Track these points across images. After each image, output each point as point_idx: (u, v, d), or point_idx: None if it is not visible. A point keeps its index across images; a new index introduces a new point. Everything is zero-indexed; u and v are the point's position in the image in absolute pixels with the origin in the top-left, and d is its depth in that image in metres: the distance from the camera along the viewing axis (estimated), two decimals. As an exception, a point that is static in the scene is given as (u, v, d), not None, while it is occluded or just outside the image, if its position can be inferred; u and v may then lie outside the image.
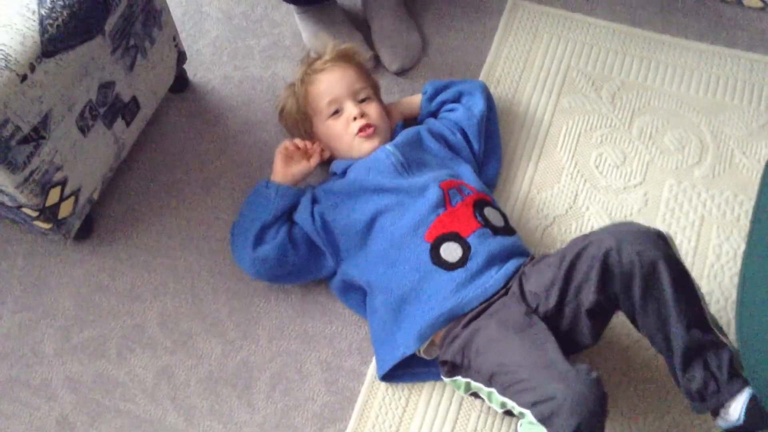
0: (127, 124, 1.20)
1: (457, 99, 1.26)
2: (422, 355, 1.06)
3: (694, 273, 1.18)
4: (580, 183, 1.27)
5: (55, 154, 1.05)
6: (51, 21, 0.97)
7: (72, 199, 1.13)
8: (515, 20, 1.44)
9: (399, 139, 1.17)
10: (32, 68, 0.95)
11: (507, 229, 1.09)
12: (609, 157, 1.30)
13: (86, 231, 1.22)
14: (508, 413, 0.94)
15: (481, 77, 1.37)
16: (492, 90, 1.31)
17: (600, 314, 0.97)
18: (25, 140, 0.99)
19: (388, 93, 1.35)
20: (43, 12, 0.97)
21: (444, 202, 1.07)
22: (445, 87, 1.26)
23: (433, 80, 1.28)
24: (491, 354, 0.94)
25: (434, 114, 1.27)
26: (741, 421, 0.89)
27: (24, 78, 0.95)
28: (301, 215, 1.13)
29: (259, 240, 1.12)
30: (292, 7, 1.42)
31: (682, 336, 0.90)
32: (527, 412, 0.87)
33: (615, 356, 1.12)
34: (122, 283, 1.19)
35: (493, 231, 1.06)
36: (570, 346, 0.97)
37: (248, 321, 1.16)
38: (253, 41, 1.43)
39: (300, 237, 1.13)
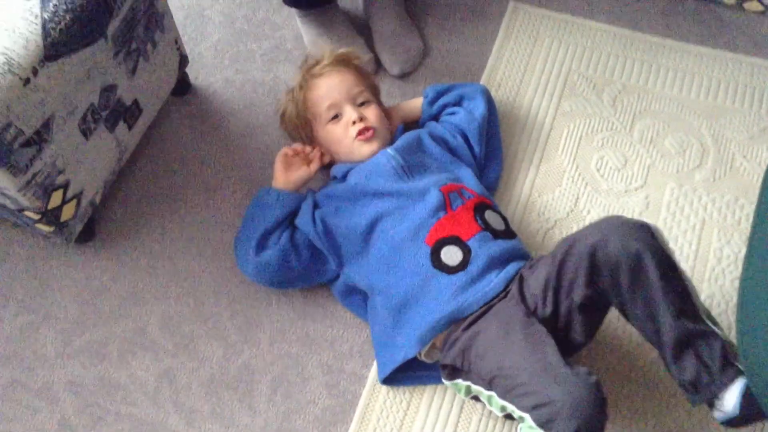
0: (129, 127, 1.20)
1: (458, 102, 1.26)
2: (423, 358, 1.06)
3: (695, 276, 1.19)
4: (581, 186, 1.27)
5: (57, 157, 1.05)
6: (54, 25, 0.97)
7: (74, 202, 1.13)
8: (516, 24, 1.45)
9: (399, 142, 1.17)
10: (35, 72, 0.96)
11: (508, 233, 1.09)
12: (610, 161, 1.30)
13: (88, 234, 1.22)
14: (509, 417, 0.94)
15: (482, 81, 1.38)
16: (493, 93, 1.31)
17: (592, 310, 0.96)
18: (28, 143, 0.99)
19: (390, 96, 1.36)
20: (45, 16, 0.97)
21: (444, 205, 1.08)
22: (447, 90, 1.27)
23: (434, 84, 1.29)
24: (491, 358, 0.95)
25: (435, 117, 1.27)
26: (737, 412, 0.88)
27: (27, 82, 0.95)
28: (303, 220, 1.14)
29: (261, 246, 1.13)
30: (293, 11, 1.43)
31: (671, 326, 0.89)
32: (527, 416, 0.87)
33: (616, 359, 1.12)
34: (124, 286, 1.20)
35: (494, 234, 1.06)
36: (567, 346, 0.98)
37: (250, 324, 1.16)
38: (254, 44, 1.43)
39: (302, 242, 1.13)
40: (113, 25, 1.06)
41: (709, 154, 1.31)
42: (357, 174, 1.15)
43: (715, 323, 0.92)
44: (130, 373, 1.13)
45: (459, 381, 1.01)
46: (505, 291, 1.02)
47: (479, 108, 1.23)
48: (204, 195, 1.27)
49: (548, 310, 0.97)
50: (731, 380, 0.89)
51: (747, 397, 0.87)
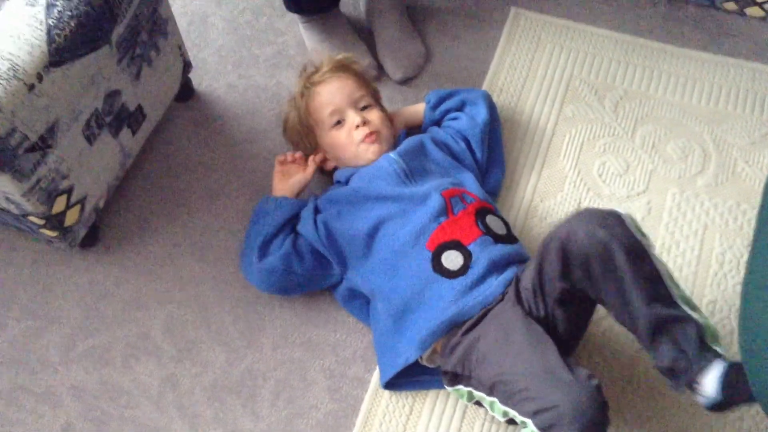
0: (133, 132, 1.21)
1: (460, 108, 1.26)
2: (425, 363, 1.07)
3: (697, 281, 1.19)
4: (583, 191, 1.27)
5: (61, 162, 1.06)
6: (58, 31, 0.98)
7: (78, 207, 1.13)
8: (518, 30, 1.45)
9: (402, 147, 1.18)
10: (40, 78, 0.96)
11: (509, 237, 1.09)
12: (612, 166, 1.30)
13: (92, 239, 1.22)
14: (511, 422, 0.94)
15: (484, 86, 1.38)
16: (495, 99, 1.32)
17: (571, 304, 0.96)
18: (32, 149, 1.00)
19: (392, 102, 1.36)
20: (50, 22, 0.98)
21: (446, 210, 1.08)
22: (449, 96, 1.27)
23: (437, 89, 1.29)
24: (491, 364, 0.95)
25: (437, 123, 1.27)
26: (720, 396, 0.87)
27: (31, 87, 0.95)
28: (305, 226, 1.14)
29: (263, 252, 1.13)
30: (296, 17, 1.43)
31: (644, 313, 0.89)
32: (529, 422, 0.87)
33: (619, 364, 1.12)
34: (127, 291, 1.20)
35: (495, 239, 1.06)
36: (563, 344, 0.97)
37: (253, 329, 1.16)
38: (257, 50, 1.44)
39: (305, 247, 1.14)
40: (117, 32, 1.07)
41: (710, 159, 1.31)
42: (359, 178, 1.15)
43: (694, 308, 0.91)
44: (133, 378, 1.13)
45: (461, 387, 1.01)
46: (503, 294, 1.02)
47: (481, 113, 1.24)
48: (207, 200, 1.28)
49: (541, 309, 0.97)
50: (708, 364, 0.87)
51: (728, 380, 0.86)
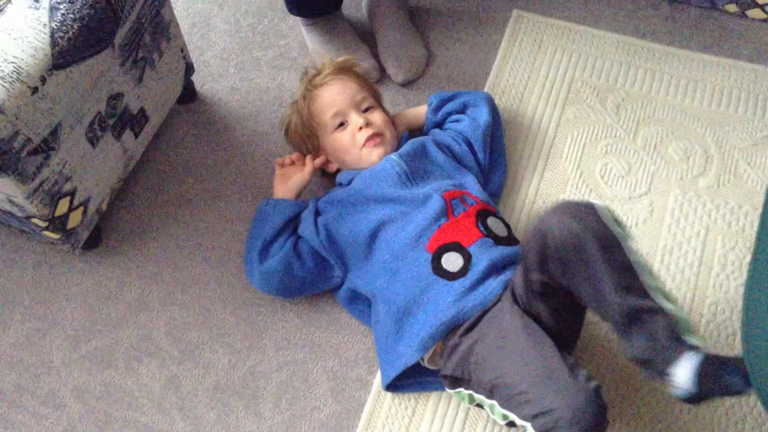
0: (136, 135, 1.21)
1: (462, 110, 1.26)
2: (426, 364, 1.07)
3: (699, 283, 1.19)
4: (585, 193, 1.28)
5: (64, 164, 1.06)
6: (62, 34, 0.98)
7: (81, 209, 1.13)
8: (519, 32, 1.45)
9: (404, 149, 1.18)
10: (43, 80, 0.96)
11: (510, 239, 1.09)
12: (614, 168, 1.30)
13: (94, 241, 1.23)
14: (512, 424, 0.94)
15: (486, 88, 1.38)
16: (497, 101, 1.32)
17: (554, 296, 0.95)
18: (35, 151, 1.00)
19: (394, 104, 1.36)
20: (54, 25, 0.98)
21: (446, 212, 1.08)
22: (451, 98, 1.27)
23: (439, 91, 1.29)
24: (490, 367, 0.95)
25: (440, 125, 1.27)
26: (696, 388, 0.86)
27: (35, 90, 0.96)
28: (305, 228, 1.14)
29: (263, 255, 1.14)
30: (298, 19, 1.44)
31: (616, 303, 0.88)
32: (528, 425, 0.87)
33: (621, 365, 1.12)
34: (130, 293, 1.20)
35: (496, 241, 1.06)
36: (559, 341, 0.96)
37: (255, 331, 1.17)
38: (259, 53, 1.44)
39: (306, 250, 1.14)
40: (120, 34, 1.07)
41: (712, 161, 1.31)
42: (360, 179, 1.16)
43: (670, 299, 0.90)
44: (136, 380, 1.13)
45: (461, 390, 1.01)
46: (502, 295, 1.02)
47: (483, 115, 1.24)
48: (209, 202, 1.28)
49: (530, 305, 0.97)
50: (679, 355, 0.86)
51: (704, 372, 0.85)
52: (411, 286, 1.05)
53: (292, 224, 1.17)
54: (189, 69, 1.31)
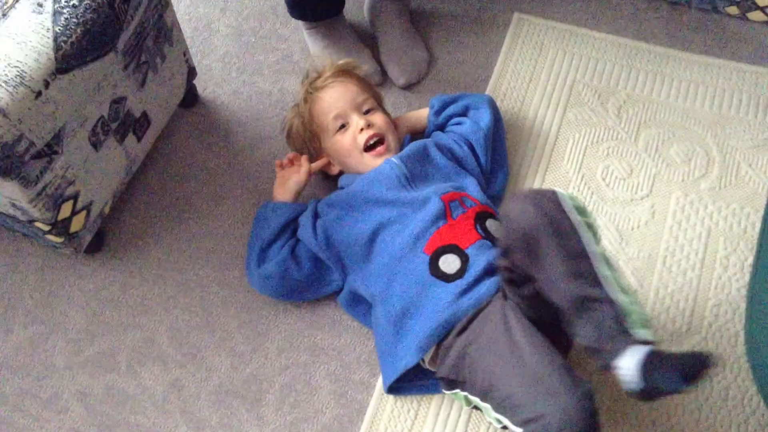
0: (138, 139, 1.21)
1: (464, 113, 1.27)
2: (428, 366, 1.07)
3: (701, 285, 1.19)
4: (587, 195, 1.28)
5: (67, 169, 1.06)
6: (65, 38, 0.98)
7: (84, 213, 1.14)
8: (521, 35, 1.46)
9: (405, 151, 1.18)
10: (46, 85, 0.97)
11: None
12: (616, 170, 1.30)
13: (97, 245, 1.23)
14: (507, 428, 0.94)
15: (488, 91, 1.38)
16: (498, 103, 1.32)
17: (523, 285, 0.94)
18: (39, 155, 1.00)
19: (396, 107, 1.37)
20: (57, 29, 0.98)
21: (444, 214, 1.08)
22: (452, 101, 1.27)
23: (440, 94, 1.29)
24: (482, 370, 0.95)
25: (441, 127, 1.27)
26: (643, 383, 0.83)
27: (38, 94, 0.96)
28: (304, 232, 1.15)
29: (261, 259, 1.15)
30: (300, 23, 1.44)
31: (565, 289, 0.87)
32: (519, 431, 0.87)
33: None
34: (132, 296, 1.20)
35: (494, 243, 1.06)
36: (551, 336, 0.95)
37: (258, 334, 1.17)
38: (261, 56, 1.45)
39: (303, 253, 1.15)
40: (123, 38, 1.08)
41: (714, 163, 1.31)
42: (360, 181, 1.16)
43: (626, 291, 0.88)
44: (138, 383, 1.13)
45: (458, 391, 1.01)
46: (496, 294, 1.02)
47: (485, 118, 1.24)
48: (212, 205, 1.28)
49: (511, 297, 0.96)
50: (623, 348, 0.84)
51: (649, 367, 0.82)
52: (409, 288, 1.05)
53: (290, 227, 1.17)
54: (191, 73, 1.31)
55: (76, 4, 1.00)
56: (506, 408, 0.90)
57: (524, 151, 1.32)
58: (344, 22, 1.43)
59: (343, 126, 1.20)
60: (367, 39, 1.44)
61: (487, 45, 1.45)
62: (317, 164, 1.24)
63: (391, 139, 1.19)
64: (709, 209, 1.26)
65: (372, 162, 1.17)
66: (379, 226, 1.10)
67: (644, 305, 1.17)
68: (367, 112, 1.21)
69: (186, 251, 1.24)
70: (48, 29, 0.98)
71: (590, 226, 0.90)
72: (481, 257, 1.04)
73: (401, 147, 1.22)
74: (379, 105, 1.25)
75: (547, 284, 0.89)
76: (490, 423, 0.98)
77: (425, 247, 1.06)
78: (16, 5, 1.00)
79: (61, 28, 0.99)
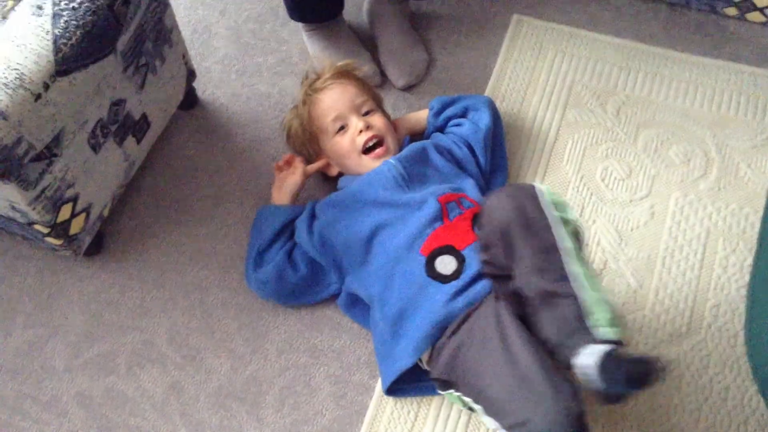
0: (138, 141, 1.21)
1: (463, 114, 1.27)
2: (426, 367, 1.07)
3: (701, 285, 1.19)
4: (586, 196, 1.28)
5: (66, 171, 1.06)
6: (64, 41, 0.99)
7: (83, 215, 1.14)
8: (520, 36, 1.46)
9: (403, 153, 1.18)
10: (46, 87, 0.97)
11: None
12: (615, 171, 1.30)
13: (96, 247, 1.23)
14: None
15: (487, 92, 1.39)
16: (498, 105, 1.32)
17: (504, 281, 0.94)
18: (38, 158, 1.00)
19: (396, 109, 1.37)
20: (56, 32, 0.98)
21: (441, 215, 1.08)
22: (452, 102, 1.28)
23: (440, 96, 1.30)
24: (473, 372, 0.95)
25: (441, 129, 1.28)
26: (603, 384, 0.82)
27: (38, 97, 0.96)
28: (300, 234, 1.15)
29: (258, 262, 1.16)
30: (299, 25, 1.44)
31: (531, 283, 0.87)
32: None
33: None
34: (132, 298, 1.20)
35: None
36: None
37: (257, 335, 1.17)
38: (261, 58, 1.45)
39: (300, 257, 1.15)
40: (122, 41, 1.08)
41: (713, 163, 1.31)
42: (358, 183, 1.16)
43: (595, 289, 0.87)
44: (138, 386, 1.13)
45: (452, 391, 1.01)
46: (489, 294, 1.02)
47: (484, 119, 1.24)
48: (211, 207, 1.28)
49: (499, 294, 0.96)
50: (581, 346, 0.83)
51: (606, 369, 0.80)
52: (405, 289, 1.05)
53: (287, 230, 1.17)
54: (191, 75, 1.31)
55: (76, 6, 1.01)
56: (495, 411, 0.90)
57: (523, 152, 1.32)
58: (343, 23, 1.43)
59: (342, 128, 1.20)
60: (367, 41, 1.44)
61: (486, 46, 1.45)
62: (314, 166, 1.24)
63: (390, 141, 1.20)
64: (709, 210, 1.26)
65: (370, 164, 1.17)
66: (377, 228, 1.10)
67: (642, 306, 1.17)
68: (367, 113, 1.21)
69: (185, 253, 1.24)
70: (48, 32, 0.98)
71: (567, 222, 0.90)
72: (477, 258, 1.04)
73: (400, 148, 1.22)
74: (379, 106, 1.25)
75: (520, 278, 0.89)
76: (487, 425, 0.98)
77: (422, 249, 1.06)
78: (16, 8, 1.00)
79: (61, 31, 0.99)
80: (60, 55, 0.98)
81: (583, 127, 1.35)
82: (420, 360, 1.05)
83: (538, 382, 0.86)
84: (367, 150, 1.18)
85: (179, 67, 1.26)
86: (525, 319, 0.93)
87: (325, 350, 1.15)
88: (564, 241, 0.89)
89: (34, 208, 1.04)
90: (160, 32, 1.17)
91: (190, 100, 1.36)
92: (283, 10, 1.44)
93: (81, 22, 1.00)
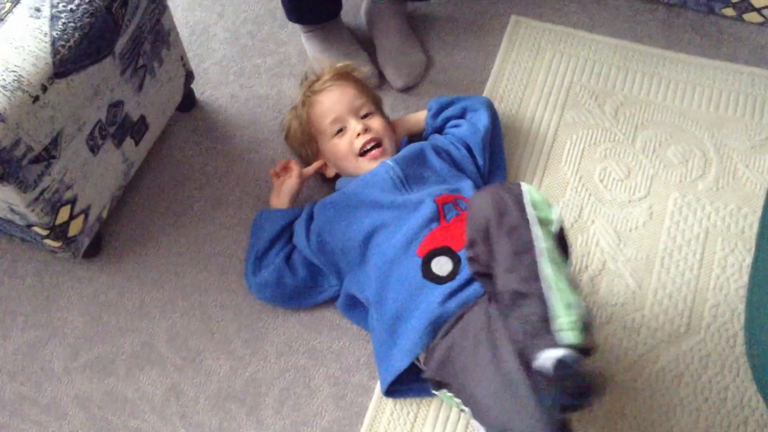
0: (136, 143, 1.21)
1: (461, 115, 1.27)
2: (423, 367, 1.06)
3: (699, 286, 1.19)
4: (584, 197, 1.28)
5: (65, 173, 1.06)
6: (63, 42, 0.98)
7: (81, 217, 1.14)
8: (518, 37, 1.46)
9: (401, 154, 1.18)
10: (44, 89, 0.97)
11: None
12: (613, 171, 1.30)
13: (95, 249, 1.23)
14: None
15: (485, 93, 1.39)
16: (496, 106, 1.32)
17: (489, 279, 0.92)
18: (37, 160, 1.00)
19: (394, 110, 1.37)
20: (55, 34, 0.98)
21: (438, 216, 1.08)
22: (450, 103, 1.28)
23: (438, 97, 1.30)
24: (462, 378, 0.94)
25: (439, 130, 1.28)
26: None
27: (36, 99, 0.96)
28: (298, 237, 1.15)
29: (257, 266, 1.16)
30: (297, 27, 1.44)
31: (501, 281, 0.86)
32: None
33: (623, 369, 1.12)
34: (131, 300, 1.20)
35: None
36: None
37: (256, 337, 1.17)
38: (259, 60, 1.45)
39: (298, 260, 1.15)
40: (121, 43, 1.08)
41: (711, 163, 1.31)
42: (355, 184, 1.16)
43: (566, 291, 0.84)
44: (137, 388, 1.13)
45: (444, 391, 1.01)
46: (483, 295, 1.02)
47: (483, 120, 1.24)
48: (210, 209, 1.28)
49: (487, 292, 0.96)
50: (540, 349, 0.80)
51: (556, 377, 0.79)
52: (402, 291, 1.05)
53: (285, 234, 1.18)
54: (189, 77, 1.31)
55: (74, 8, 1.01)
56: (481, 417, 0.90)
57: (522, 153, 1.32)
58: (342, 25, 1.43)
59: (340, 130, 1.20)
60: (365, 42, 1.44)
61: (485, 47, 1.45)
62: (311, 168, 1.24)
63: (387, 143, 1.20)
64: (707, 210, 1.26)
65: (368, 165, 1.17)
66: (373, 229, 1.10)
67: (641, 307, 1.17)
68: (365, 116, 1.21)
69: (184, 255, 1.24)
70: (46, 34, 0.98)
71: (547, 222, 0.88)
72: None
73: (398, 149, 1.22)
74: (377, 108, 1.25)
75: (497, 277, 0.88)
76: (476, 429, 0.98)
77: (418, 250, 1.06)
78: (14, 10, 1.00)
79: (59, 33, 0.99)
80: (58, 57, 0.98)
81: (582, 127, 1.35)
82: (417, 360, 1.05)
83: (522, 387, 0.84)
84: (364, 152, 1.18)
85: (177, 69, 1.26)
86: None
87: (324, 352, 1.15)
88: (539, 241, 0.86)
89: (32, 210, 1.04)
90: (159, 34, 1.17)
91: (189, 102, 1.36)
92: (281, 12, 1.44)
93: (79, 24, 1.00)
